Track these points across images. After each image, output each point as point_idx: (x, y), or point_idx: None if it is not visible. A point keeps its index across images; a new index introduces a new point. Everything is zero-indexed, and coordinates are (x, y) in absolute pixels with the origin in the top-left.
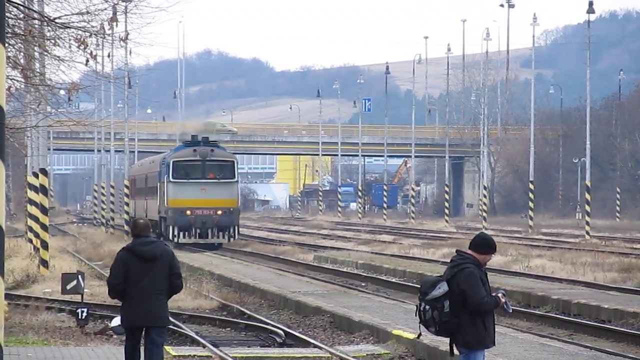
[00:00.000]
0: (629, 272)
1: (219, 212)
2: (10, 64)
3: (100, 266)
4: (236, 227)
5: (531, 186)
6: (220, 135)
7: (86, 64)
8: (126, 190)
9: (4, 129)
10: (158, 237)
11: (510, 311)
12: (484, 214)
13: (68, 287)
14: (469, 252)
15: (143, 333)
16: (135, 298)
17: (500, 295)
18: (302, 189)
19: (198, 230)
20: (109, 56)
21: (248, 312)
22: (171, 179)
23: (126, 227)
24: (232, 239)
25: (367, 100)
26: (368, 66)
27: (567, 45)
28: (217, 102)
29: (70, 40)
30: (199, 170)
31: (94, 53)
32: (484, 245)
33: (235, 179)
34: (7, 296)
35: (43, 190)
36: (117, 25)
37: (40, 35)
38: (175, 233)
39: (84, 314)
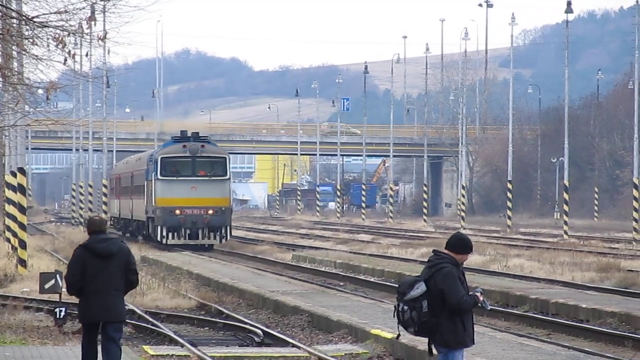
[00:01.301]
0: (607, 271)
1: (210, 212)
2: None
3: None
4: (228, 228)
5: (509, 186)
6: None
7: (64, 63)
8: (104, 190)
9: None
10: (145, 239)
11: (488, 309)
12: (463, 214)
13: (46, 286)
14: (446, 251)
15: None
16: (92, 294)
17: (478, 294)
18: (281, 188)
19: (188, 231)
20: (87, 55)
21: (226, 311)
22: (159, 176)
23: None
24: (224, 240)
25: (345, 100)
26: (347, 66)
27: (545, 45)
28: (195, 101)
29: (48, 39)
30: (189, 167)
31: (72, 52)
32: (461, 244)
33: (228, 177)
34: None
35: (21, 189)
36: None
37: (18, 34)
38: (164, 234)
39: (62, 314)
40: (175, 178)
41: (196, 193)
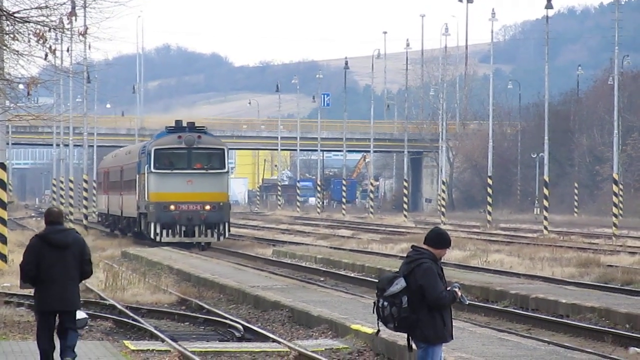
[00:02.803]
0: (587, 267)
1: (207, 207)
2: None
3: None
4: (226, 224)
5: (489, 181)
6: None
7: (45, 59)
8: (84, 185)
9: None
10: (137, 236)
11: (467, 304)
12: (443, 209)
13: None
14: (425, 247)
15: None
16: (47, 284)
17: (456, 289)
18: (261, 183)
19: (183, 228)
20: (68, 50)
21: (207, 306)
22: (152, 169)
23: (85, 222)
24: (222, 238)
25: (326, 95)
26: (327, 61)
27: (525, 40)
28: (176, 97)
29: (29, 34)
30: (185, 160)
31: (53, 47)
32: (439, 239)
33: (226, 170)
34: None
35: (1, 184)
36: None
37: None
38: (158, 231)
39: None
40: (169, 171)
41: (192, 187)
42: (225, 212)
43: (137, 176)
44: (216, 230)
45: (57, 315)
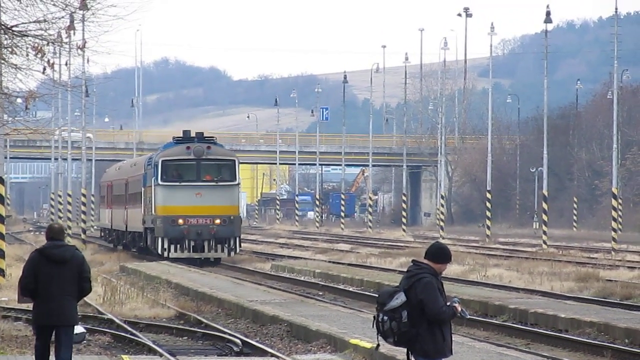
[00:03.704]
0: (586, 281)
1: (217, 222)
2: None
3: None
4: (237, 239)
5: (488, 195)
6: None
7: (43, 72)
8: (82, 199)
9: None
10: (142, 252)
11: (467, 317)
12: (442, 223)
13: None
14: (425, 261)
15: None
16: (45, 298)
17: (455, 304)
18: (260, 197)
19: (192, 243)
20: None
21: (205, 321)
22: (160, 182)
23: (83, 236)
24: (232, 254)
25: (324, 109)
26: (326, 75)
27: (524, 54)
28: (174, 111)
29: (27, 48)
30: (194, 172)
31: (51, 61)
32: (440, 254)
33: (237, 182)
34: None
35: (0, 198)
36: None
37: None
38: (165, 246)
39: None
40: (177, 184)
41: (201, 200)
42: (236, 226)
43: (143, 189)
44: (226, 246)
45: (55, 330)
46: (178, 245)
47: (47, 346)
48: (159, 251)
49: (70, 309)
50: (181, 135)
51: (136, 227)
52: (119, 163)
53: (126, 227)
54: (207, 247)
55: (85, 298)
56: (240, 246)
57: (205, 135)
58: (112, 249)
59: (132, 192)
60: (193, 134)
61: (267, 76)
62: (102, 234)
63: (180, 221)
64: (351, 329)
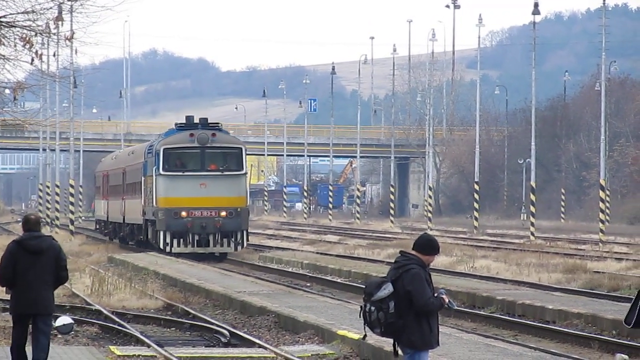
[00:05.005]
0: (573, 273)
1: (223, 214)
2: None
3: None
4: (244, 232)
5: (476, 187)
6: None
7: (31, 63)
8: (70, 190)
9: None
10: (138, 246)
11: (455, 308)
12: (429, 215)
13: None
14: (413, 252)
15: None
16: (22, 288)
17: (443, 295)
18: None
19: (196, 237)
20: (54, 55)
21: (193, 311)
22: (161, 171)
23: (71, 227)
24: (239, 248)
25: (312, 101)
26: (314, 66)
27: (512, 46)
28: (163, 102)
29: (15, 39)
30: (197, 160)
31: (39, 52)
32: (428, 245)
33: (244, 171)
34: None
35: None
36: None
37: None
38: (167, 241)
39: None
40: (180, 173)
41: (206, 191)
42: (244, 218)
43: (143, 179)
44: (233, 240)
45: (32, 319)
46: (181, 240)
47: (25, 334)
48: (161, 245)
49: (48, 298)
50: (183, 121)
51: (135, 219)
52: (115, 152)
53: (124, 219)
54: (213, 242)
55: (73, 289)
56: (248, 240)
57: (209, 121)
58: (100, 240)
59: (131, 181)
60: (197, 120)
61: (255, 67)
62: (98, 226)
63: (184, 214)
64: (339, 320)
